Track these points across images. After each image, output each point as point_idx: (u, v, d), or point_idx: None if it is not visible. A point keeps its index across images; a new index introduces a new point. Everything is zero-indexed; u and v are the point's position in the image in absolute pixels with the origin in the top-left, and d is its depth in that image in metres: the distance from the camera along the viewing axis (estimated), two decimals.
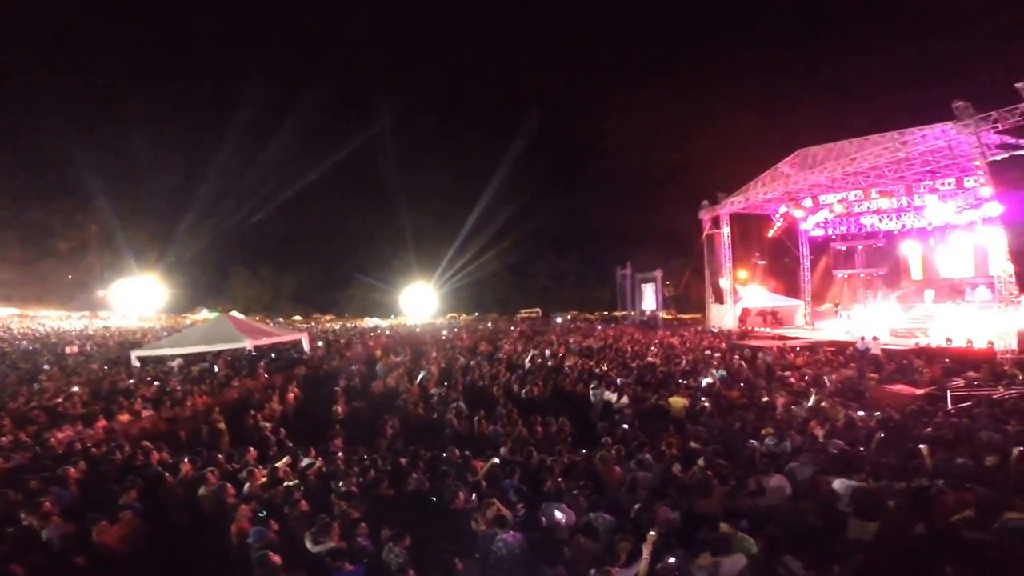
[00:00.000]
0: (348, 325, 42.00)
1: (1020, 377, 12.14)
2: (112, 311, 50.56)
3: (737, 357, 16.50)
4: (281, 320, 49.88)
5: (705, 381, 13.17)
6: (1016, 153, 15.95)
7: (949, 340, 16.95)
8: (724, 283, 27.76)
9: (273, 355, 18.96)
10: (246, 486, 6.70)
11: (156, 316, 49.70)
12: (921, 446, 6.71)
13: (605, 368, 15.01)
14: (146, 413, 11.00)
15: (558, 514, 5.75)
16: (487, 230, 54.49)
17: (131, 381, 14.16)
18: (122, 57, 67.32)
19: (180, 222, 52.78)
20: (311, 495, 6.43)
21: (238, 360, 17.44)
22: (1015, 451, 6.42)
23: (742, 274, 28.54)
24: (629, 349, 19.39)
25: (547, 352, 18.44)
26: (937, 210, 21.79)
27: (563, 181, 56.53)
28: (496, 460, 7.42)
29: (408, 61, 76.51)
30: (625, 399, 11.47)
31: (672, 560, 4.47)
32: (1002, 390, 10.93)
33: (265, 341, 17.93)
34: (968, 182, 20.27)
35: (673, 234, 37.50)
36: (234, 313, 32.58)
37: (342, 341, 24.73)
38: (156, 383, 13.83)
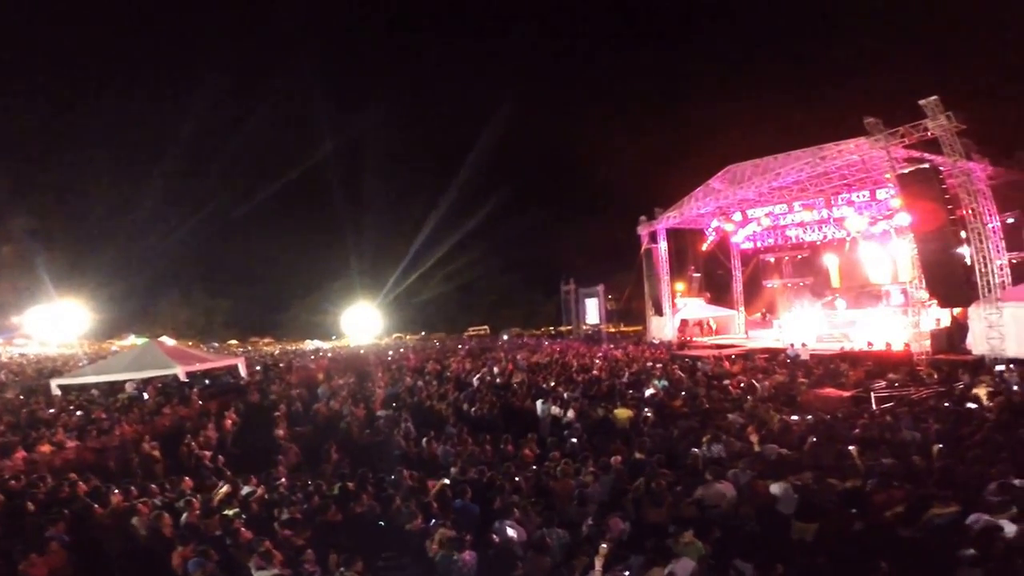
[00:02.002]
0: (288, 348, 40.62)
1: (935, 376, 13.08)
2: (30, 338, 46.90)
3: (677, 367, 16.97)
4: (216, 345, 47.58)
5: (648, 392, 13.47)
6: (921, 166, 17.23)
7: (870, 344, 18.12)
8: (663, 296, 28.70)
9: (207, 381, 18.13)
10: (184, 516, 6.45)
11: (78, 343, 46.39)
12: (851, 447, 7.09)
13: (552, 384, 15.12)
14: (70, 443, 10.48)
15: (511, 531, 5.73)
16: (433, 249, 54.04)
17: (51, 410, 13.36)
18: (49, 73, 63.31)
19: (106, 245, 49.85)
20: (253, 523, 6.21)
21: (169, 387, 16.62)
22: (935, 448, 6.91)
23: (680, 286, 29.56)
24: (575, 363, 19.62)
25: (495, 369, 18.43)
26: (854, 221, 23.40)
27: (508, 199, 57.08)
28: (446, 480, 7.34)
29: (351, 79, 75.51)
30: (572, 413, 11.57)
31: (626, 573, 4.54)
32: (921, 390, 11.74)
33: (198, 367, 17.19)
34: (880, 194, 21.86)
35: (614, 249, 38.45)
36: (164, 339, 30.95)
37: (281, 365, 23.90)
38: (79, 412, 13.07)
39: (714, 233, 27.97)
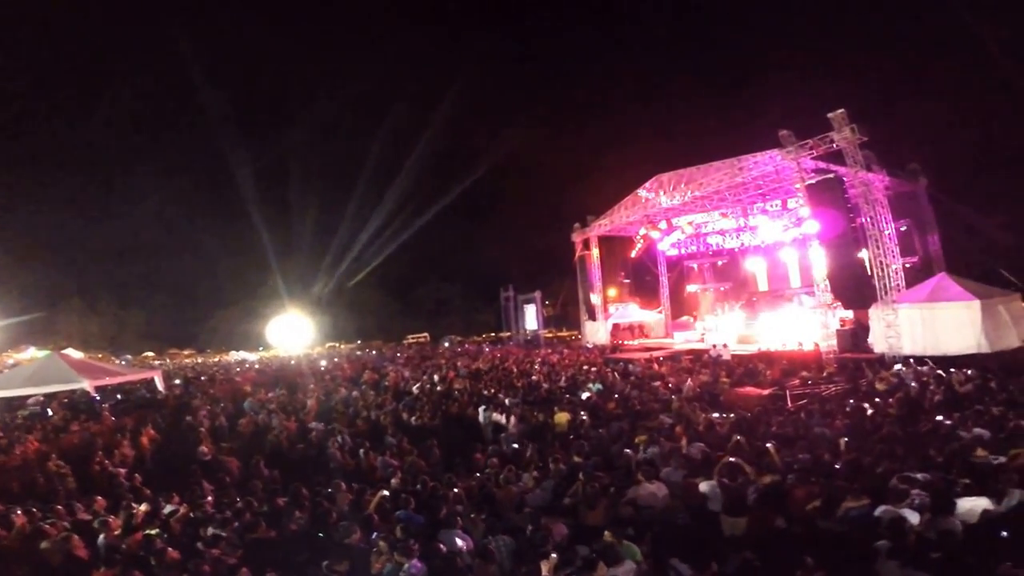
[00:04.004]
0: (211, 361, 38.64)
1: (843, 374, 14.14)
2: None
3: (610, 370, 17.47)
4: (129, 358, 44.41)
5: (584, 395, 13.81)
6: (827, 176, 18.59)
7: (784, 344, 19.38)
8: (596, 301, 29.49)
9: (119, 396, 17.07)
10: (101, 537, 6.14)
11: None
12: (768, 444, 7.58)
13: (493, 390, 15.20)
14: None
15: (458, 540, 5.75)
16: (368, 256, 52.95)
17: None
18: None
19: None
20: (177, 543, 5.95)
21: (76, 403, 15.51)
22: (841, 443, 7.52)
23: (611, 292, 30.48)
24: (514, 369, 19.75)
25: (436, 377, 18.33)
26: (768, 229, 25.02)
27: (445, 206, 56.91)
28: (386, 492, 7.25)
29: (280, 82, 72.69)
30: (513, 419, 11.65)
31: None
32: (830, 387, 12.67)
33: (108, 381, 16.04)
34: (791, 203, 23.49)
35: (550, 256, 39.09)
36: (69, 351, 28.67)
37: (204, 378, 22.74)
38: None
39: (641, 240, 29.10)
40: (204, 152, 70.28)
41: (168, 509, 7.18)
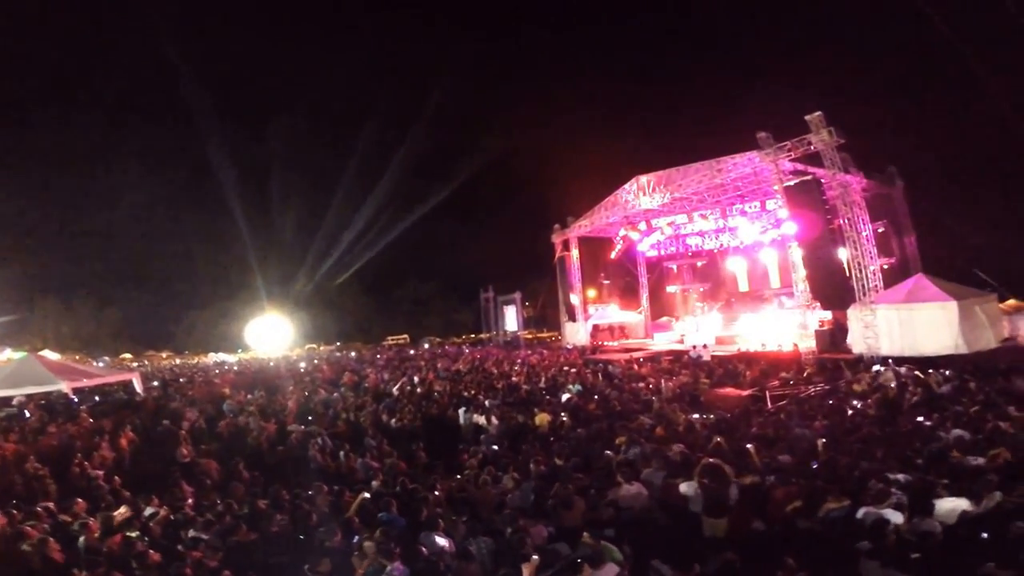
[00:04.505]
0: (189, 362, 37.94)
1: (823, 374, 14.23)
2: None
3: (590, 372, 17.42)
4: (107, 359, 43.40)
5: (565, 396, 13.72)
6: (805, 178, 18.76)
7: (764, 345, 19.50)
8: (575, 302, 29.48)
9: (97, 398, 16.80)
10: (81, 539, 6.08)
11: None
12: (748, 445, 7.54)
13: (473, 392, 15.05)
14: None
15: (440, 540, 5.65)
16: (349, 258, 52.48)
17: None
18: None
19: None
20: (157, 546, 5.86)
21: (54, 405, 15.18)
22: (819, 443, 7.50)
23: (591, 293, 30.49)
24: (494, 370, 19.65)
25: (415, 379, 18.14)
26: (746, 230, 25.20)
27: (426, 207, 56.59)
28: (366, 494, 7.12)
29: (260, 73, 71.69)
30: (493, 420, 11.56)
31: None
32: (809, 388, 12.72)
33: (86, 383, 15.82)
34: (770, 204, 23.66)
35: (531, 257, 39.02)
36: (45, 352, 27.95)
37: (182, 380, 22.29)
38: None
39: (621, 241, 29.16)
40: (184, 151, 68.89)
41: (148, 511, 7.12)
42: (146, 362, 41.97)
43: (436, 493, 7.05)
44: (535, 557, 4.61)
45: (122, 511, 7.06)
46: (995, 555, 4.27)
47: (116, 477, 9.06)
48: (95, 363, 34.02)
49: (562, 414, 11.63)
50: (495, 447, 9.62)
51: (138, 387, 17.68)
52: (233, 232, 50.65)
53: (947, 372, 11.72)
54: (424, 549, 5.55)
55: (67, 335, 51.62)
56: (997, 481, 5.58)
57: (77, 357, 34.22)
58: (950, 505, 5.31)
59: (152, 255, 57.80)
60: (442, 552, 5.54)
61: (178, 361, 42.02)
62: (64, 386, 14.50)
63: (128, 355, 48.69)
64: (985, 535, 4.80)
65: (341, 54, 73.10)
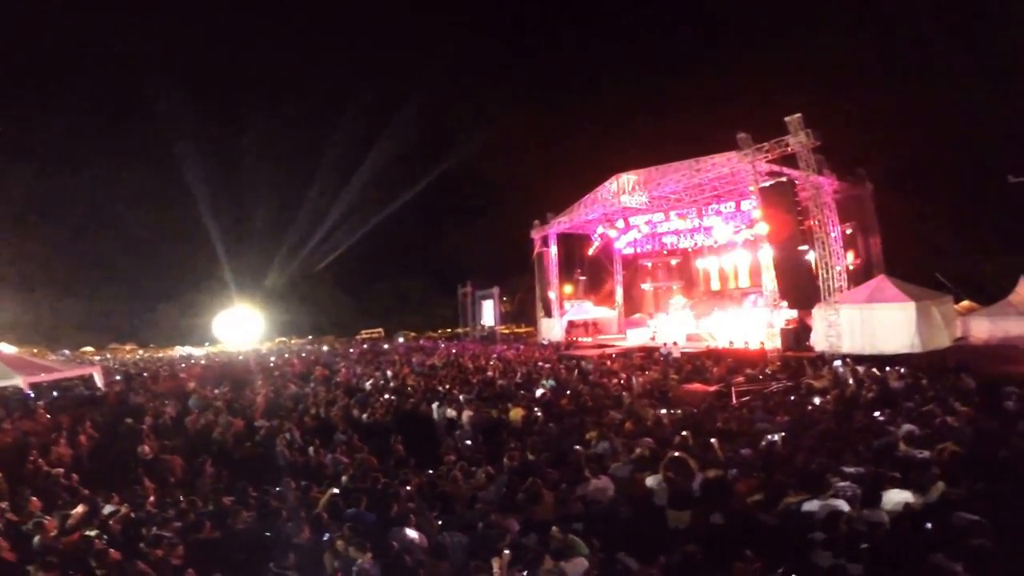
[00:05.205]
0: (155, 356, 37.16)
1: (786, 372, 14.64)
2: None
3: (564, 367, 17.62)
4: (67, 352, 42.17)
5: (539, 391, 13.87)
6: (780, 180, 19.16)
7: (731, 342, 19.95)
8: (552, 297, 29.72)
9: (56, 393, 16.27)
10: (36, 538, 5.90)
11: None
12: (713, 440, 7.79)
13: (448, 386, 15.09)
14: None
15: (410, 532, 5.70)
16: (322, 250, 51.80)
17: None
18: None
19: None
20: (117, 545, 5.73)
21: (9, 400, 14.65)
22: (777, 439, 7.79)
23: (567, 289, 30.76)
24: (470, 365, 19.73)
25: (389, 373, 18.10)
26: (720, 230, 25.70)
27: (404, 201, 56.22)
28: (335, 490, 7.12)
29: (231, 59, 70.00)
30: (467, 415, 11.60)
31: (524, 572, 4.68)
32: (773, 385, 13.10)
33: (44, 377, 15.39)
34: (744, 205, 24.13)
35: (510, 252, 39.15)
36: (1, 345, 27.11)
37: (146, 374, 21.86)
38: None
39: (599, 239, 29.46)
40: (150, 140, 66.81)
41: (108, 509, 6.92)
42: (108, 355, 40.98)
43: (408, 488, 7.06)
44: (506, 552, 4.70)
45: (79, 509, 6.83)
46: (939, 545, 4.51)
47: (74, 475, 8.79)
48: (54, 356, 33.07)
49: (535, 409, 11.73)
50: (468, 442, 9.68)
51: (99, 381, 17.31)
52: (202, 222, 49.50)
53: (902, 370, 12.19)
54: (395, 544, 5.59)
55: (26, 326, 49.94)
56: (940, 474, 5.91)
57: (36, 350, 33.18)
58: (897, 497, 5.59)
59: (117, 245, 55.98)
60: (413, 547, 5.57)
61: (143, 354, 41.05)
62: (20, 381, 14.13)
63: (89, 348, 47.35)
64: (929, 525, 5.08)
65: (319, 40, 71.92)
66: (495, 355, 22.67)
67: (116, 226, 56.89)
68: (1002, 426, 7.63)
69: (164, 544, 5.63)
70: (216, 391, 15.97)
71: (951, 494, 5.61)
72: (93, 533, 5.99)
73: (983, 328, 16.49)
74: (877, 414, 9.05)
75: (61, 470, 8.89)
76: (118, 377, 20.65)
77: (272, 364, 24.66)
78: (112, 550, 5.47)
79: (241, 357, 30.90)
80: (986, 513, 4.82)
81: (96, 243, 55.95)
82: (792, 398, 11.23)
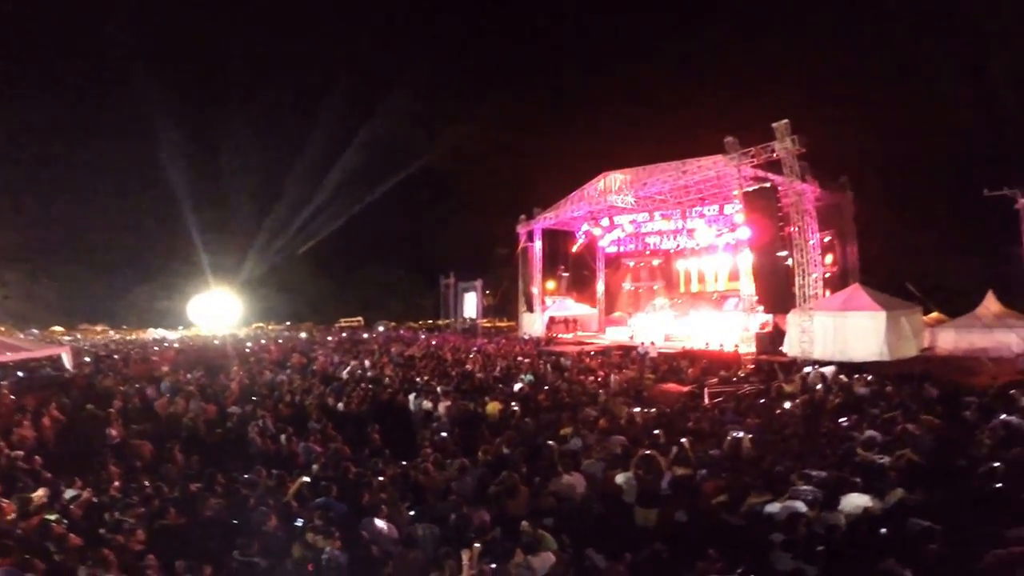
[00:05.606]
0: (127, 338, 36.48)
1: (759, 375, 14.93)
2: None
3: (543, 362, 17.75)
4: (36, 332, 41.07)
5: (517, 386, 13.94)
6: (764, 185, 19.39)
7: (707, 344, 20.24)
8: (535, 292, 29.85)
9: (21, 374, 15.91)
10: None
11: None
12: (684, 439, 7.93)
13: (426, 378, 15.08)
14: None
15: (379, 523, 5.72)
16: (303, 235, 51.06)
17: None
18: None
19: None
20: (78, 530, 5.65)
21: None
22: (747, 439, 7.96)
23: (550, 285, 30.89)
24: (449, 357, 19.75)
25: (367, 363, 18.06)
26: (703, 232, 25.97)
27: (388, 188, 55.64)
28: (306, 479, 7.12)
29: (210, 40, 68.56)
30: (444, 407, 11.61)
31: (493, 565, 4.75)
32: (745, 387, 13.36)
33: (9, 357, 15.04)
34: (728, 209, 24.36)
35: (495, 244, 39.06)
36: None
37: (117, 356, 21.50)
38: None
39: (584, 236, 29.61)
40: (126, 118, 64.63)
41: (70, 494, 6.78)
42: (79, 336, 40.02)
43: (380, 479, 7.08)
44: (476, 545, 4.76)
45: (40, 493, 6.71)
46: (892, 549, 4.67)
47: (37, 458, 8.55)
48: (22, 335, 32.25)
49: (513, 403, 11.78)
50: (444, 434, 9.72)
51: (68, 363, 16.95)
52: (179, 204, 48.31)
53: (868, 377, 12.50)
54: (365, 534, 5.61)
55: None
56: (898, 479, 6.11)
57: (2, 329, 32.36)
58: (856, 501, 5.77)
59: (90, 224, 54.38)
60: (382, 537, 5.61)
61: (114, 335, 40.19)
62: None
63: (59, 328, 46.03)
64: (884, 530, 5.26)
65: (301, 22, 70.65)
66: (475, 348, 22.71)
67: (89, 203, 55.42)
68: (960, 435, 7.90)
69: (124, 529, 5.60)
70: (189, 376, 15.76)
71: (909, 500, 5.80)
72: (53, 518, 5.90)
73: (949, 339, 16.95)
74: (843, 420, 9.31)
75: (22, 453, 8.72)
76: (88, 359, 20.29)
77: (248, 350, 24.42)
78: (72, 535, 5.41)
79: (217, 342, 30.51)
80: (940, 520, 5.01)
81: (69, 222, 54.38)
82: (763, 401, 11.46)
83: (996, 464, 6.17)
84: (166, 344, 29.07)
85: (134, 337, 37.31)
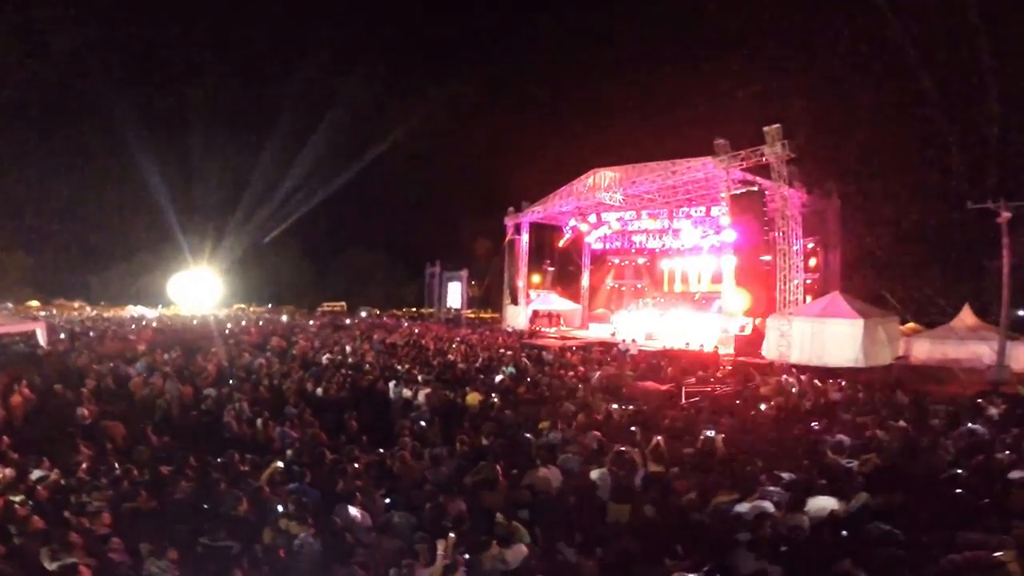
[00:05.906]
0: (104, 315, 35.85)
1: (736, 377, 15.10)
2: None
3: (525, 355, 17.79)
4: (10, 306, 40.18)
5: (498, 378, 13.94)
6: (751, 188, 19.55)
7: (687, 344, 20.45)
8: (520, 285, 29.89)
9: None
10: None
11: None
12: (659, 437, 8.02)
13: (407, 366, 15.03)
14: None
15: (352, 510, 5.70)
16: (285, 214, 50.24)
17: None
18: None
19: None
20: (43, 512, 5.53)
21: None
22: (719, 439, 8.07)
23: (535, 278, 30.96)
24: (432, 346, 19.73)
25: (348, 349, 17.96)
26: (689, 233, 26.16)
27: (375, 172, 55.16)
28: (279, 464, 7.05)
29: (184, 11, 67.00)
30: (423, 396, 11.57)
31: (466, 555, 4.77)
32: (722, 388, 13.51)
33: None
34: (714, 211, 24.57)
35: (481, 235, 39.07)
36: None
37: (93, 333, 21.16)
38: None
39: (571, 231, 29.69)
40: (106, 93, 63.02)
41: (36, 475, 6.62)
42: (54, 311, 39.26)
43: (356, 466, 7.04)
44: (451, 535, 4.77)
45: (6, 473, 6.55)
46: (850, 552, 4.78)
47: (4, 437, 8.32)
48: None
49: (493, 395, 11.82)
50: (423, 423, 9.72)
51: (42, 339, 16.69)
52: (157, 180, 47.20)
53: (843, 382, 12.74)
54: (338, 521, 5.58)
55: None
56: (864, 483, 6.24)
57: None
58: (822, 503, 5.88)
59: (68, 200, 53.09)
60: (355, 525, 5.58)
61: (91, 312, 39.51)
62: None
63: (35, 303, 45.00)
64: (845, 533, 5.37)
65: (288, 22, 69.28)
66: (458, 338, 22.69)
67: (67, 178, 54.19)
68: (927, 442, 8.08)
69: (90, 512, 5.49)
70: (166, 356, 15.55)
71: (872, 504, 5.93)
72: (17, 499, 5.78)
73: (923, 349, 17.30)
74: (815, 424, 9.48)
75: None
76: (63, 335, 19.95)
77: (228, 331, 24.17)
78: (36, 517, 5.29)
79: (196, 322, 30.15)
80: (901, 524, 5.12)
81: (46, 197, 53.06)
82: (738, 402, 11.61)
83: (959, 471, 6.33)
84: (144, 323, 28.67)
85: (111, 314, 36.66)
